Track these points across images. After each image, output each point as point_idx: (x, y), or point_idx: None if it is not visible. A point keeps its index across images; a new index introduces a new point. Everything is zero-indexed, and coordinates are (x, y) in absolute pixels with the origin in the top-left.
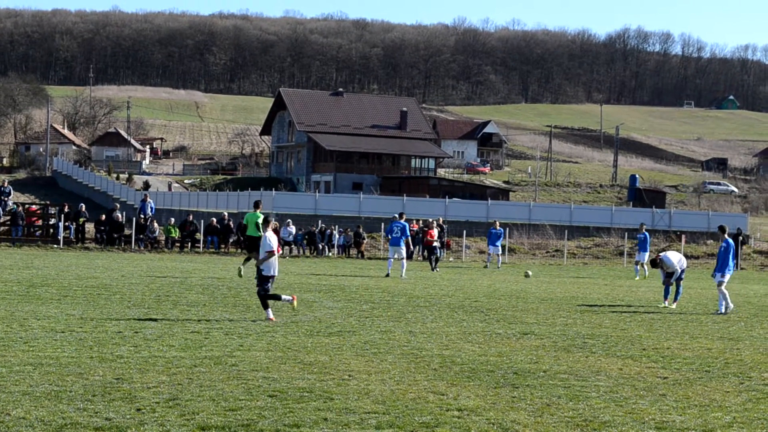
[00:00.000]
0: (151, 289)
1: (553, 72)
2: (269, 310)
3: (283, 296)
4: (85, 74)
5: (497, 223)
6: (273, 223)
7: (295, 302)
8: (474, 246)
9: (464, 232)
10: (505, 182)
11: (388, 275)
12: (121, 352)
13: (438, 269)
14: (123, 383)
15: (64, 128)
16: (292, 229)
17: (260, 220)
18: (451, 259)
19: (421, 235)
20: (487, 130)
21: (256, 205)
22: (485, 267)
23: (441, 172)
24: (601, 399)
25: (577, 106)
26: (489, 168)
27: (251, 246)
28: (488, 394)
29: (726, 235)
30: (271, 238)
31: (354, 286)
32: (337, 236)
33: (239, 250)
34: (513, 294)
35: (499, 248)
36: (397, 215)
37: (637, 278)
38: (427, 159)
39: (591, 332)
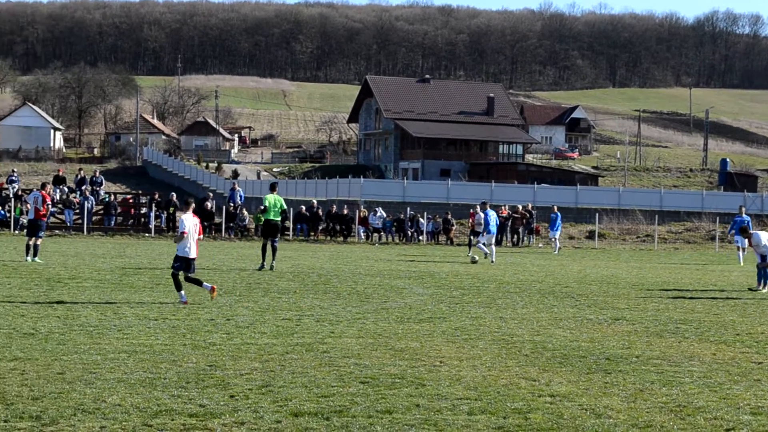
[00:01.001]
0: (241, 277)
1: (640, 56)
2: (182, 291)
3: (205, 283)
4: (173, 64)
5: (555, 207)
6: (193, 206)
7: (215, 293)
8: (563, 232)
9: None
10: (593, 167)
11: (475, 261)
12: (213, 340)
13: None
14: (216, 370)
15: (153, 118)
16: (382, 214)
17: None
18: (540, 245)
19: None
20: (575, 115)
21: (273, 187)
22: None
23: (529, 157)
24: (695, 384)
25: (665, 90)
26: (577, 153)
27: (269, 231)
28: (580, 380)
29: None
30: (186, 219)
31: (443, 273)
32: (425, 223)
33: (329, 238)
34: (604, 279)
35: (557, 233)
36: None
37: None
38: (514, 145)
39: (683, 317)
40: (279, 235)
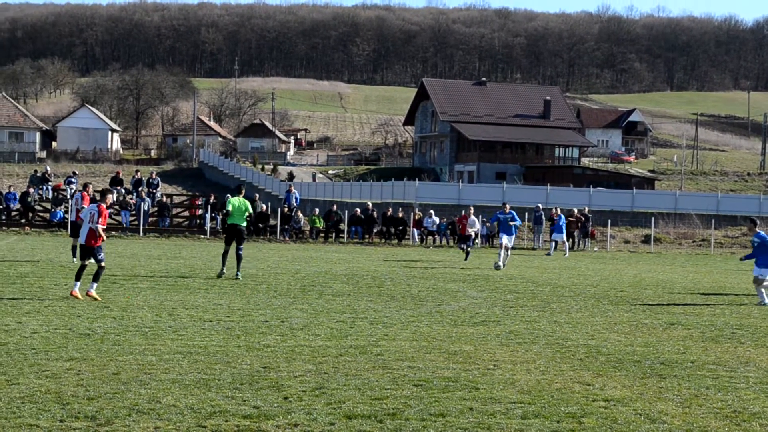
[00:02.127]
0: (296, 279)
1: (699, 59)
2: (77, 283)
3: (92, 284)
4: (231, 66)
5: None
6: (110, 198)
7: (73, 293)
8: (619, 236)
9: (609, 221)
10: (650, 171)
11: (499, 267)
12: (267, 341)
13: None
14: (270, 372)
15: (210, 120)
16: (436, 219)
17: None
18: (595, 249)
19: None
20: (632, 118)
21: (238, 189)
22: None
23: (585, 161)
24: (751, 390)
25: (723, 93)
26: (634, 157)
27: (233, 236)
28: (635, 385)
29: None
30: (92, 208)
31: (498, 276)
32: (480, 226)
33: (383, 240)
34: (659, 284)
35: (562, 236)
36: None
37: None
38: (570, 148)
39: (739, 322)
40: (244, 240)
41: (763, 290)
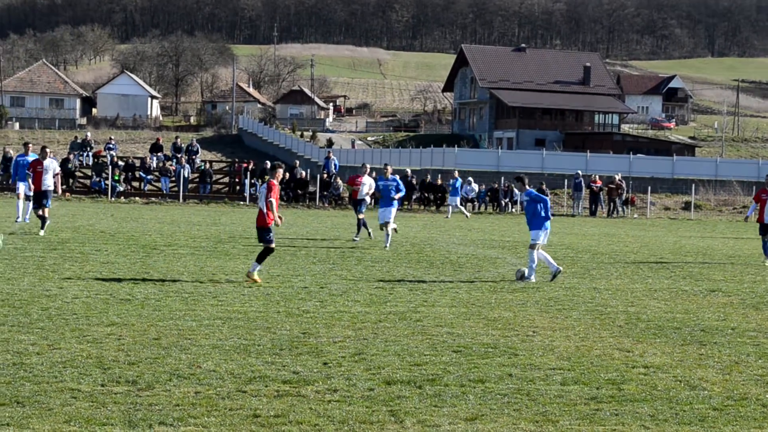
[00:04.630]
0: (335, 245)
1: (740, 25)
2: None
3: (254, 266)
4: (270, 33)
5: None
6: (279, 173)
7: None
8: (659, 203)
9: (648, 188)
10: (690, 138)
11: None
12: (307, 307)
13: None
14: (309, 338)
15: (249, 87)
16: (473, 188)
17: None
18: (635, 215)
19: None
20: (672, 84)
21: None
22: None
23: (625, 127)
24: None
25: (765, 59)
26: (674, 123)
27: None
28: (675, 352)
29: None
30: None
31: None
32: (519, 193)
33: (422, 207)
34: (699, 251)
35: (458, 199)
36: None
37: None
38: (610, 115)
39: None
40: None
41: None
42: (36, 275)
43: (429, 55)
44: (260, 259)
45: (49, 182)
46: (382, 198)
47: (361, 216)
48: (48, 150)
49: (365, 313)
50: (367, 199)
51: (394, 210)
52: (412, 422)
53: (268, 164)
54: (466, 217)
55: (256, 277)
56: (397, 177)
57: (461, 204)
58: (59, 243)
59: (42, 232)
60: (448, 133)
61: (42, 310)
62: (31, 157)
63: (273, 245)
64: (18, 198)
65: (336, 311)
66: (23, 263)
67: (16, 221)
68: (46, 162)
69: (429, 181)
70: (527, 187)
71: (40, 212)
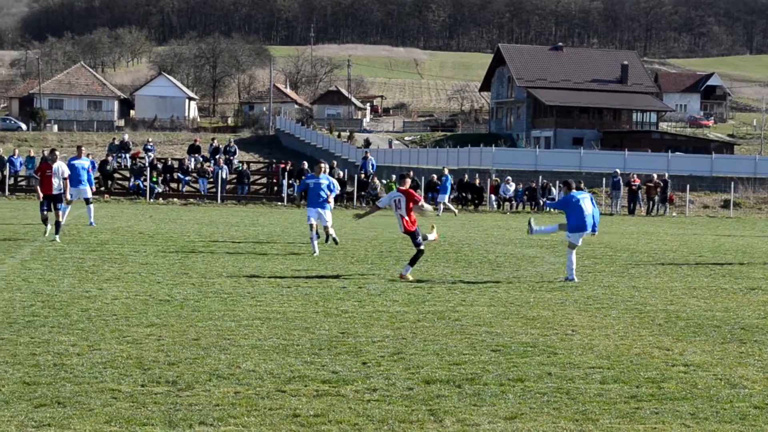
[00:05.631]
0: (373, 245)
1: None
2: (410, 267)
3: (407, 268)
4: (306, 34)
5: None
6: (408, 181)
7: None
8: (698, 201)
9: (687, 186)
10: (729, 135)
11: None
12: (345, 307)
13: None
14: (348, 337)
15: (286, 87)
16: (508, 188)
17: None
18: (674, 214)
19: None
20: (711, 82)
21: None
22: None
23: (663, 126)
24: None
25: None
26: (712, 121)
27: None
28: (715, 350)
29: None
30: (395, 195)
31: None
32: (557, 192)
33: (460, 206)
34: (739, 249)
35: (446, 197)
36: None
37: None
38: (648, 113)
39: None
40: None
41: None
42: (76, 276)
43: (466, 54)
44: (413, 262)
45: (59, 187)
46: (310, 197)
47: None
48: (57, 153)
49: (404, 313)
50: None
51: (329, 212)
52: (451, 421)
53: (305, 164)
54: (455, 214)
55: (409, 276)
56: (331, 179)
57: (449, 202)
58: (98, 244)
59: (57, 238)
60: (485, 132)
61: (82, 311)
62: (85, 160)
63: (423, 248)
64: (67, 203)
65: (374, 311)
66: (63, 265)
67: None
68: (55, 166)
69: (467, 181)
70: (572, 190)
71: (57, 218)
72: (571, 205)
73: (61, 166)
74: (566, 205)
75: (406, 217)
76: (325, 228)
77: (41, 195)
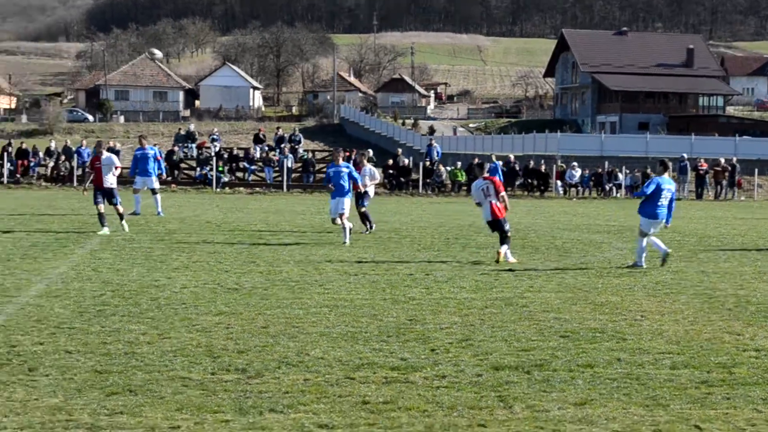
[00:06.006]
0: (440, 232)
1: None
2: (504, 246)
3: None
4: (369, 22)
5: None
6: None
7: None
8: (766, 185)
9: (756, 170)
10: None
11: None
12: (413, 294)
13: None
14: (416, 324)
15: (350, 76)
16: (574, 174)
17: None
18: (742, 198)
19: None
20: None
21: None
22: None
23: (730, 110)
24: None
25: None
26: None
27: None
28: None
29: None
30: (482, 183)
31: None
32: (623, 177)
33: (526, 193)
34: None
35: (347, 201)
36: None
37: None
38: (715, 97)
39: None
40: None
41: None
42: (145, 266)
43: (529, 40)
44: (504, 242)
45: (111, 180)
46: (334, 188)
47: (363, 209)
48: (104, 144)
49: (471, 300)
50: (371, 190)
51: (348, 201)
52: (521, 407)
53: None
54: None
55: (511, 258)
56: (351, 166)
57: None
58: (166, 234)
59: (125, 227)
60: (550, 118)
61: (151, 300)
62: (150, 149)
63: (509, 233)
64: (134, 192)
65: (442, 298)
66: (132, 254)
67: (136, 214)
68: (104, 157)
69: (532, 167)
70: (667, 172)
71: (117, 210)
72: (655, 191)
73: (110, 158)
74: (651, 186)
75: (497, 203)
76: (340, 215)
77: (85, 189)
